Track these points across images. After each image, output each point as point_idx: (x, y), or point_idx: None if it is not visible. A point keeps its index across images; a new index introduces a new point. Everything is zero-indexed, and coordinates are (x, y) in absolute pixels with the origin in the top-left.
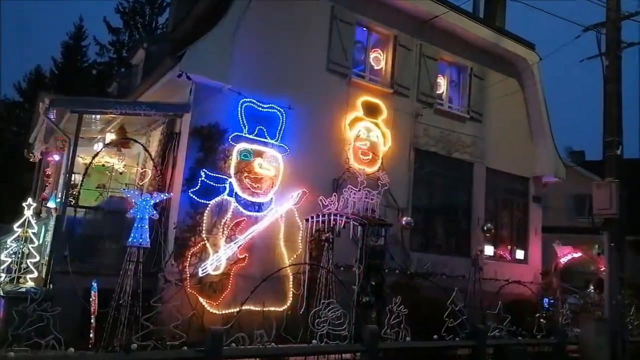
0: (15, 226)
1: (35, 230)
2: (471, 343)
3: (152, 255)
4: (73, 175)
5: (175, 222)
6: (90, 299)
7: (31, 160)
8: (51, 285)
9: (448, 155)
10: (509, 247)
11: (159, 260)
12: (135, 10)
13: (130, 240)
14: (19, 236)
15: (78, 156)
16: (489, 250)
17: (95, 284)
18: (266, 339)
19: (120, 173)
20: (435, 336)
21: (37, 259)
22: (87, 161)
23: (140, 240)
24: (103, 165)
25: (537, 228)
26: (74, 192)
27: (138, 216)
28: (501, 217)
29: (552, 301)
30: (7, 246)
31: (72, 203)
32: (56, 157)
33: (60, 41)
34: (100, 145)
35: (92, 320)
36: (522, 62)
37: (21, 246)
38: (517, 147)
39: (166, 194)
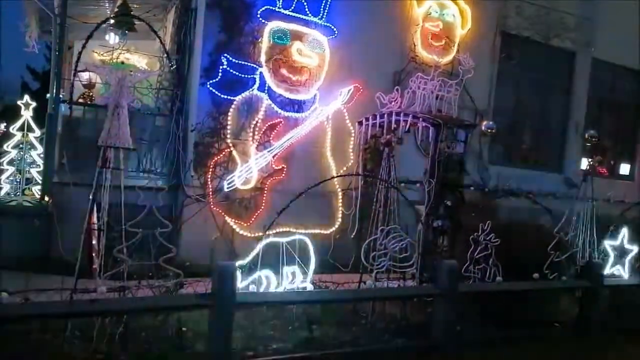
0: (14, 129)
1: (37, 134)
2: (584, 284)
3: (170, 165)
4: (87, 74)
5: (193, 124)
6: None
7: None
8: (49, 199)
9: (545, 42)
10: (612, 160)
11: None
12: None
13: (101, 137)
14: (19, 141)
15: (93, 51)
16: (584, 163)
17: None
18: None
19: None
20: (536, 274)
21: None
22: (104, 57)
23: (117, 138)
24: (122, 63)
25: None
26: (90, 93)
27: (112, 103)
28: (605, 122)
29: None
30: (8, 152)
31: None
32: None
33: None
34: (112, 35)
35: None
36: None
37: (23, 153)
38: (637, 30)
39: (153, 72)
